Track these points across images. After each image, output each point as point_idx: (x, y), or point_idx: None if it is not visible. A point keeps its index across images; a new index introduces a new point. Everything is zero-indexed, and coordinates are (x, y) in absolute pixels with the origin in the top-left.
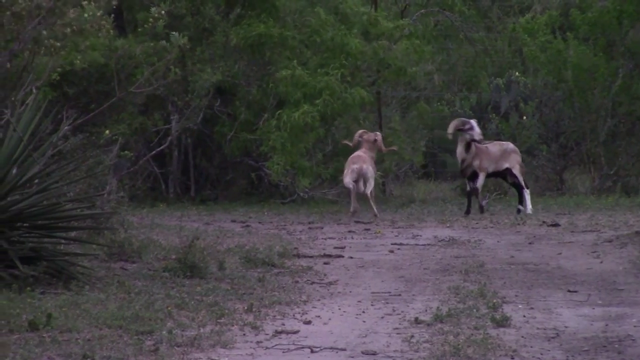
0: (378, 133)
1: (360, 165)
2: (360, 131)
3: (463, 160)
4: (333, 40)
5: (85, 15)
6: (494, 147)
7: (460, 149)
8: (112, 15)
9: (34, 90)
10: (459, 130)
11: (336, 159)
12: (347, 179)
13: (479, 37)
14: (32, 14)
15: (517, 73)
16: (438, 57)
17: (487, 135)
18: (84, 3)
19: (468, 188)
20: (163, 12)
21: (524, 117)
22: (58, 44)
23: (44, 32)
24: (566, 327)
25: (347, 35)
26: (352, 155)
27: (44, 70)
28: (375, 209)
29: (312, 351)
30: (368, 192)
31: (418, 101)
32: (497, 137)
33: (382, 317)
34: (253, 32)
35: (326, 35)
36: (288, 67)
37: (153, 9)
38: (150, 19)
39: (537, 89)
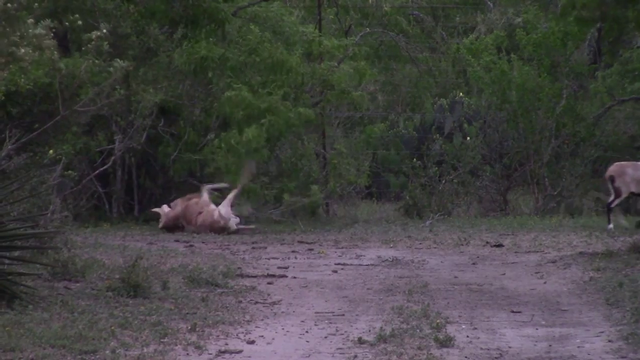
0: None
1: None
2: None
3: None
4: (272, 59)
5: (30, 31)
6: None
7: None
8: (52, 34)
9: None
10: None
11: (280, 178)
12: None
13: (423, 58)
14: None
15: (461, 94)
16: (381, 77)
17: (430, 156)
18: (30, 21)
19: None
20: (105, 30)
21: (468, 138)
22: (2, 60)
23: None
24: (510, 347)
25: (286, 53)
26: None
27: None
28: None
29: None
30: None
31: (362, 122)
32: (441, 157)
33: (326, 337)
34: (195, 54)
35: (264, 54)
36: (233, 88)
37: (95, 32)
38: (93, 37)
39: (481, 110)
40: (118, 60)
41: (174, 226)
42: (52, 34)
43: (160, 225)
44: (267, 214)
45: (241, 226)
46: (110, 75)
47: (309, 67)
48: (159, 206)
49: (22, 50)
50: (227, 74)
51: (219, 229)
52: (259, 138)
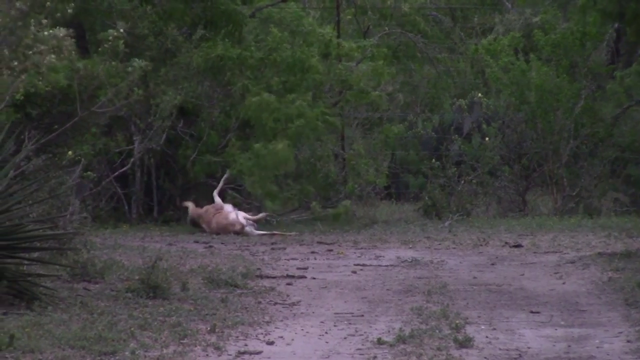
0: None
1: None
2: None
3: None
4: (293, 57)
5: (45, 33)
6: None
7: None
8: (72, 34)
9: None
10: None
11: (299, 179)
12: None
13: (442, 58)
14: None
15: (479, 94)
16: (400, 78)
17: (449, 156)
18: (44, 21)
19: None
20: (122, 30)
21: (487, 139)
22: (17, 63)
23: (6, 52)
24: (529, 348)
25: (306, 53)
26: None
27: (6, 92)
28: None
29: None
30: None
31: (380, 122)
32: (460, 157)
33: (345, 338)
34: (213, 53)
35: (285, 53)
36: (255, 93)
37: (111, 30)
38: (110, 38)
39: (500, 110)
40: (136, 60)
41: (196, 223)
42: (71, 36)
43: (189, 218)
44: (290, 219)
45: (262, 232)
46: (128, 74)
47: (327, 67)
48: (177, 207)
49: (41, 52)
50: (245, 74)
51: (234, 232)
52: (288, 152)
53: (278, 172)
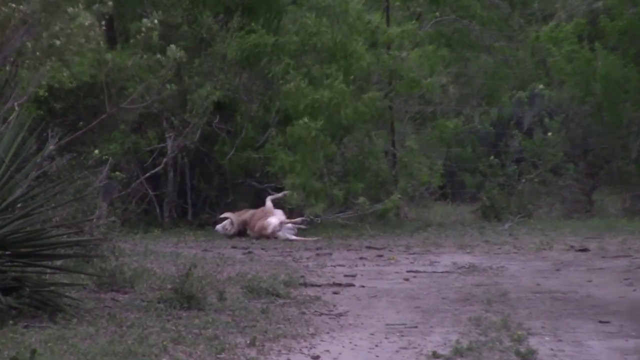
0: None
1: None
2: None
3: None
4: (334, 41)
5: (75, 22)
6: None
7: None
8: (103, 24)
9: (16, 107)
10: None
11: (346, 179)
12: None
13: (499, 47)
14: (17, 24)
15: (540, 86)
16: (454, 68)
17: (509, 153)
18: (70, 10)
19: None
20: (156, 21)
21: (549, 134)
22: (40, 54)
23: (29, 45)
24: None
25: (349, 37)
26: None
27: (28, 85)
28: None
29: None
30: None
31: (433, 116)
32: (520, 154)
33: (397, 351)
34: (247, 43)
35: (325, 36)
36: (288, 80)
37: (145, 20)
38: (143, 29)
39: (563, 103)
40: (172, 47)
41: (242, 231)
42: (102, 23)
43: (232, 231)
44: (333, 218)
45: (295, 237)
46: (160, 65)
47: (375, 56)
48: (214, 210)
49: (65, 41)
50: (283, 58)
51: (266, 235)
52: (315, 125)
53: (318, 161)
